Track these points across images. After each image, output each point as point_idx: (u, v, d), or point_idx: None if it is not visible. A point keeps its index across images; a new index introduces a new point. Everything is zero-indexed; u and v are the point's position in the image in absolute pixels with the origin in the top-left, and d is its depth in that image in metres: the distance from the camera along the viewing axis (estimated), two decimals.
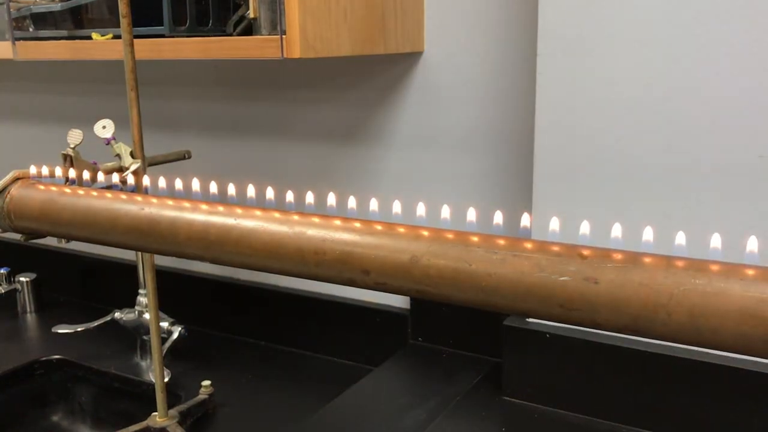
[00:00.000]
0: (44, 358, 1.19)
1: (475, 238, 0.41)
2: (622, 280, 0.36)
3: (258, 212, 0.48)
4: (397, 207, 0.46)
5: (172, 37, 0.90)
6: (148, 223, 0.51)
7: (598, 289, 0.37)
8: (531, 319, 0.91)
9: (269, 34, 0.83)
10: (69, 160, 0.80)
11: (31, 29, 1.06)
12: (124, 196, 0.55)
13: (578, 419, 0.88)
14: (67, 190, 0.58)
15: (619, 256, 0.37)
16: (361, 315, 1.12)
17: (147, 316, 1.09)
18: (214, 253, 0.49)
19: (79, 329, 1.20)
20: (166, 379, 0.96)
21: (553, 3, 0.83)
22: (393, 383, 1.02)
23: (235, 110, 1.20)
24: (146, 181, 0.60)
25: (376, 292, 0.44)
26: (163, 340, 1.06)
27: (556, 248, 0.39)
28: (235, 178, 0.53)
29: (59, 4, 1.00)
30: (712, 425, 0.81)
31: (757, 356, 0.35)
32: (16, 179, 0.60)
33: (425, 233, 0.42)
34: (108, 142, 0.86)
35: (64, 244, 1.36)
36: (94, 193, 0.57)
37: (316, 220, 0.46)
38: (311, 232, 0.45)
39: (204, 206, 0.50)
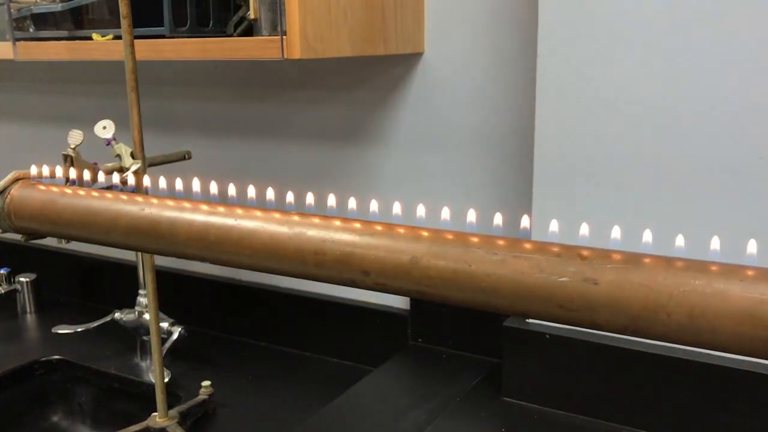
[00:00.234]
0: (44, 359, 1.19)
1: (474, 239, 0.41)
2: (621, 281, 0.36)
3: (258, 213, 0.48)
4: (396, 208, 0.46)
5: (173, 37, 0.90)
6: (149, 224, 0.51)
7: (598, 290, 0.37)
8: (531, 320, 0.91)
9: (269, 35, 0.83)
10: (69, 161, 0.80)
11: (31, 30, 1.06)
12: (124, 197, 0.55)
13: (578, 420, 0.88)
14: (68, 190, 0.58)
15: (618, 257, 0.37)
16: (360, 316, 1.12)
17: (147, 316, 1.09)
18: (214, 253, 0.49)
19: (79, 329, 1.20)
20: (166, 380, 0.96)
21: (553, 5, 0.83)
22: (393, 384, 1.02)
23: (236, 111, 1.20)
24: (146, 181, 0.60)
25: (375, 292, 0.44)
26: (163, 341, 1.06)
27: (555, 249, 0.39)
28: (236, 179, 0.53)
29: (60, 5, 1.00)
30: (712, 426, 0.81)
31: (757, 357, 0.35)
32: (16, 179, 0.60)
33: (425, 234, 0.42)
34: (108, 142, 0.87)
35: (64, 245, 1.36)
36: (95, 194, 0.57)
37: (316, 220, 0.46)
38: (311, 232, 0.45)
39: (204, 207, 0.50)
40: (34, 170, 0.62)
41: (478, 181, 1.01)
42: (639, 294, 0.36)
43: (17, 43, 1.05)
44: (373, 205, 0.47)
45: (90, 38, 0.98)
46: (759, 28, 0.74)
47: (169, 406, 0.94)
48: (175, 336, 1.08)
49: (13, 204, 0.59)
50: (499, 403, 0.93)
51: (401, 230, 0.43)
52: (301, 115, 1.14)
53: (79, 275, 1.41)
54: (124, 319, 1.13)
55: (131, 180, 0.68)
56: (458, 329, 1.06)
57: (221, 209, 0.49)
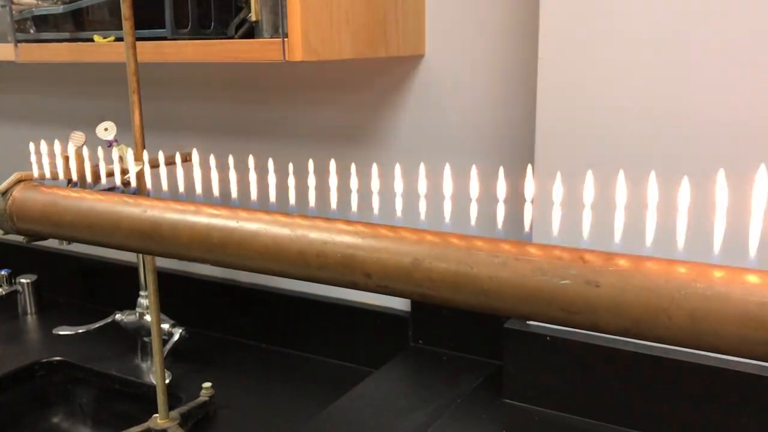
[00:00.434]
0: (45, 360, 1.19)
1: (476, 242, 0.41)
2: (623, 284, 0.36)
3: (260, 215, 0.48)
4: (398, 210, 0.47)
5: (174, 39, 0.90)
6: (151, 226, 0.52)
7: (600, 293, 0.37)
8: (531, 322, 0.91)
9: (271, 37, 0.83)
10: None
11: (32, 31, 1.06)
12: (126, 199, 0.55)
13: (579, 422, 0.88)
14: (70, 192, 0.58)
15: (620, 260, 0.37)
16: (361, 317, 1.12)
17: (148, 317, 1.09)
18: (216, 255, 0.49)
19: (79, 331, 1.20)
20: (167, 381, 0.96)
21: (553, 7, 0.83)
22: (394, 386, 1.02)
23: (237, 113, 1.20)
24: (148, 183, 0.60)
25: (377, 294, 0.44)
26: (164, 342, 1.07)
27: (557, 252, 0.39)
28: (238, 181, 0.54)
29: (61, 7, 1.00)
30: (713, 428, 0.81)
31: (758, 360, 0.35)
32: (19, 181, 0.60)
33: (427, 236, 0.43)
34: (110, 144, 0.87)
35: (64, 246, 1.36)
36: (97, 195, 0.57)
37: (318, 222, 0.46)
38: (313, 234, 0.46)
39: (207, 209, 0.50)
40: (36, 172, 0.62)
41: (479, 183, 1.01)
42: (640, 297, 0.36)
43: (19, 44, 1.05)
44: (375, 208, 0.47)
45: (91, 40, 0.98)
46: (761, 31, 0.74)
47: (170, 408, 0.94)
48: (176, 337, 1.08)
49: (16, 205, 0.59)
50: (499, 404, 0.93)
51: (403, 232, 0.44)
52: (302, 117, 1.14)
53: (80, 276, 1.41)
54: (124, 320, 1.13)
55: (133, 182, 0.68)
56: (459, 331, 1.06)
57: (224, 211, 0.50)
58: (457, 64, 1.00)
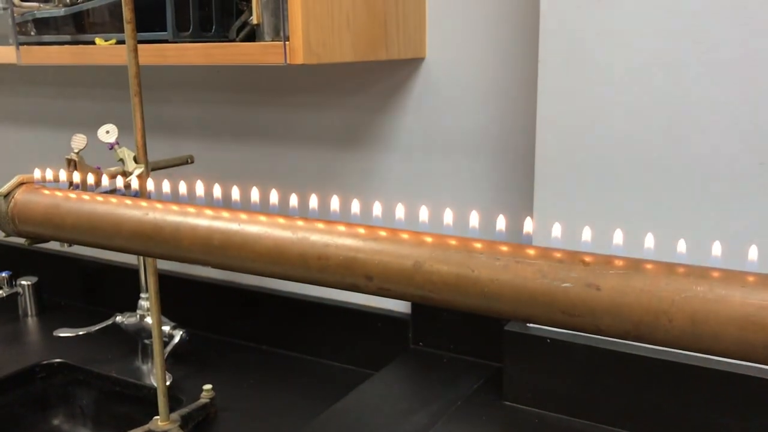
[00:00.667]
0: (45, 362, 1.19)
1: (477, 245, 0.41)
2: (623, 287, 0.37)
3: (262, 217, 0.48)
4: (400, 212, 0.47)
5: (176, 42, 0.90)
6: (152, 228, 0.52)
7: (600, 296, 0.37)
8: (532, 325, 0.91)
9: (272, 40, 0.84)
10: (73, 165, 0.81)
11: (33, 34, 1.06)
12: (128, 201, 0.55)
13: (579, 424, 0.88)
14: (72, 195, 0.58)
15: (620, 263, 0.38)
16: (362, 319, 1.12)
17: (148, 319, 1.10)
18: (218, 258, 0.49)
19: (80, 333, 1.20)
20: (168, 383, 0.97)
21: (554, 9, 0.83)
22: (394, 388, 1.02)
23: (239, 115, 1.20)
24: (150, 185, 0.60)
25: (377, 297, 0.44)
26: (165, 344, 1.07)
27: (558, 254, 0.39)
28: (239, 183, 0.54)
29: (63, 10, 1.00)
30: (713, 431, 0.81)
31: (758, 363, 0.35)
32: (20, 184, 0.60)
33: (428, 239, 0.43)
34: (111, 146, 0.87)
35: (65, 248, 1.36)
36: (98, 198, 0.57)
37: (319, 225, 0.46)
38: (315, 237, 0.46)
39: (208, 211, 0.50)
40: (37, 174, 0.62)
41: (480, 186, 1.01)
42: (641, 299, 0.36)
43: (20, 47, 1.05)
44: (376, 210, 0.47)
45: (93, 43, 0.98)
46: (760, 34, 0.74)
47: (171, 410, 0.94)
48: (176, 339, 1.09)
49: (17, 208, 0.59)
50: (499, 407, 0.93)
51: (404, 235, 0.44)
52: (303, 119, 1.14)
53: (81, 278, 1.42)
54: (125, 322, 1.13)
55: (134, 184, 0.69)
56: (459, 333, 1.06)
57: (225, 214, 0.50)
58: (458, 67, 1.00)
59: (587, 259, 0.38)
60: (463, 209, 0.46)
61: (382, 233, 0.44)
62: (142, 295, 1.12)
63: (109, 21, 1.00)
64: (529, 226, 0.43)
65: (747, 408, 0.80)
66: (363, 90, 1.08)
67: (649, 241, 0.39)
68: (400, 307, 1.11)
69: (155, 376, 0.94)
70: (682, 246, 0.39)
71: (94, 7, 0.99)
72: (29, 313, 1.37)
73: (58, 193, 0.59)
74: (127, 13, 0.80)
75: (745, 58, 0.75)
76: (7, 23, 1.06)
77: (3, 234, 0.61)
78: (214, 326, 1.25)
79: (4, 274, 1.37)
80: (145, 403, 1.05)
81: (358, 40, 0.89)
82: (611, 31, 0.81)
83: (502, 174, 1.00)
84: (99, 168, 0.82)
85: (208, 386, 1.01)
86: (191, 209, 0.51)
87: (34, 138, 1.45)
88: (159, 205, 0.52)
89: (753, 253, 0.37)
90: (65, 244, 1.08)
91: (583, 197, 0.85)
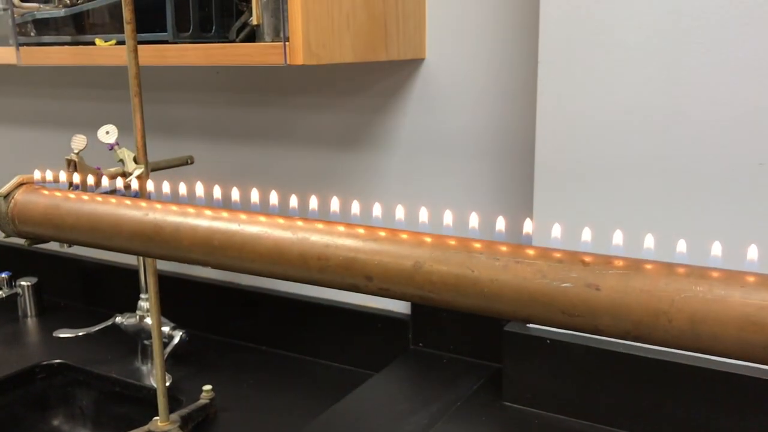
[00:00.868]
0: (45, 363, 1.19)
1: (477, 245, 0.41)
2: (623, 287, 0.37)
3: (262, 218, 0.48)
4: (399, 213, 0.47)
5: (176, 43, 0.90)
6: (153, 229, 0.52)
7: (600, 296, 0.37)
8: (531, 325, 0.91)
9: (272, 41, 0.84)
10: (73, 166, 0.81)
11: (33, 34, 1.06)
12: (128, 202, 0.55)
13: (579, 425, 0.88)
14: (71, 195, 0.58)
15: (620, 263, 0.38)
16: (361, 320, 1.13)
17: (148, 320, 1.10)
18: (218, 258, 0.49)
19: (80, 333, 1.20)
20: (168, 384, 0.97)
21: (554, 10, 0.83)
22: (393, 388, 1.02)
23: (238, 116, 1.20)
24: (150, 186, 0.60)
25: (376, 297, 0.44)
26: (165, 345, 1.07)
27: (557, 255, 0.39)
28: (239, 184, 0.54)
29: (63, 10, 1.00)
30: (712, 431, 0.81)
31: (758, 363, 0.35)
32: (20, 184, 0.61)
33: (428, 239, 0.43)
34: (111, 147, 0.87)
35: (65, 249, 1.36)
36: (98, 199, 0.57)
37: (319, 225, 0.46)
38: (314, 237, 0.46)
39: (208, 212, 0.50)
40: (37, 175, 0.63)
41: (479, 186, 1.02)
42: (640, 299, 0.36)
43: (20, 47, 1.05)
44: (376, 210, 0.47)
45: (93, 43, 0.98)
46: (760, 35, 0.74)
47: (171, 410, 0.94)
48: (176, 340, 1.09)
49: (17, 208, 0.59)
50: (499, 407, 0.93)
51: (404, 236, 0.44)
52: (303, 120, 1.14)
53: (81, 279, 1.42)
54: (125, 323, 1.13)
55: (134, 185, 0.69)
56: (459, 334, 1.06)
57: (225, 214, 0.50)
58: (458, 67, 1.00)
59: (587, 259, 0.38)
60: (463, 210, 0.46)
61: (382, 234, 0.44)
62: (142, 295, 1.12)
63: (109, 22, 1.00)
64: (528, 226, 0.43)
65: (746, 408, 0.80)
66: (363, 91, 1.08)
67: (649, 241, 0.39)
68: (399, 307, 1.11)
69: (155, 376, 0.94)
70: (681, 246, 0.39)
71: (94, 7, 0.99)
72: (29, 313, 1.37)
73: (58, 194, 0.59)
74: (127, 13, 0.80)
75: (745, 58, 0.75)
76: (7, 24, 1.06)
77: (3, 234, 0.61)
78: (214, 327, 1.25)
79: (3, 275, 1.37)
80: (144, 404, 1.05)
81: (358, 40, 0.89)
82: (611, 31, 0.81)
83: (502, 174, 1.00)
84: (99, 168, 0.82)
85: (207, 387, 1.01)
86: (191, 210, 0.51)
87: (34, 139, 1.45)
88: (159, 206, 0.53)
89: (752, 253, 0.37)
90: (65, 245, 1.08)
91: (583, 197, 0.85)
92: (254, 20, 0.83)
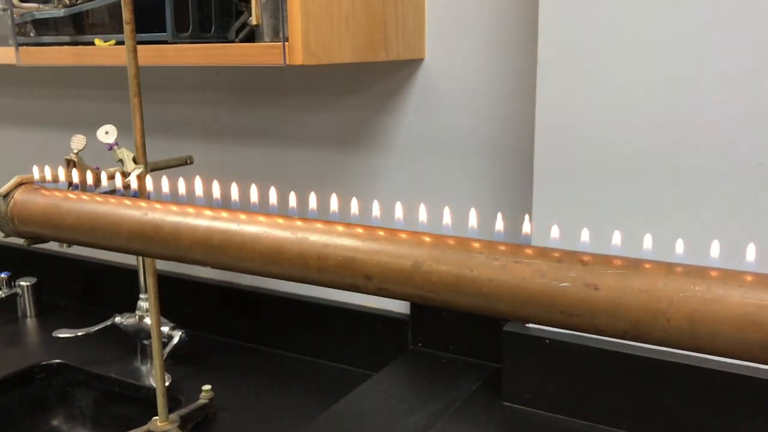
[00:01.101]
0: (44, 363, 1.19)
1: (476, 245, 0.41)
2: (622, 286, 0.37)
3: (261, 218, 0.48)
4: (398, 213, 0.47)
5: (175, 43, 0.90)
6: (152, 229, 0.52)
7: (599, 295, 0.37)
8: (531, 325, 0.91)
9: (271, 41, 0.84)
10: (72, 165, 0.81)
11: (32, 34, 1.06)
12: (127, 202, 0.55)
13: (578, 425, 0.88)
14: (71, 195, 0.58)
15: (619, 263, 0.38)
16: (361, 320, 1.13)
17: (147, 320, 1.10)
18: (217, 258, 0.49)
19: (79, 333, 1.20)
20: (167, 384, 0.97)
21: (553, 10, 0.84)
22: (393, 388, 1.02)
23: (238, 116, 1.20)
24: (149, 186, 0.60)
25: (376, 297, 0.44)
26: (164, 345, 1.07)
27: (556, 254, 0.39)
28: (238, 184, 0.54)
29: (62, 10, 1.00)
30: (711, 431, 0.81)
31: (756, 362, 0.35)
32: (19, 184, 0.60)
33: (427, 239, 0.43)
34: (111, 147, 0.87)
35: (64, 249, 1.36)
36: (98, 198, 0.57)
37: (318, 225, 0.46)
38: (314, 237, 0.46)
39: (207, 212, 0.50)
40: (37, 175, 0.63)
41: (478, 186, 1.02)
42: (639, 299, 0.36)
43: (20, 47, 1.05)
44: (375, 210, 0.47)
45: (92, 43, 0.98)
46: (759, 35, 0.74)
47: (170, 410, 0.94)
48: (175, 340, 1.09)
49: (17, 208, 0.59)
50: (499, 407, 0.93)
51: (403, 235, 0.44)
52: (302, 120, 1.14)
53: (80, 279, 1.42)
54: (124, 323, 1.13)
55: (134, 185, 0.69)
56: (458, 334, 1.06)
57: (224, 214, 0.50)
58: (457, 67, 1.00)
59: (586, 258, 0.38)
60: (462, 209, 0.46)
61: (381, 233, 0.44)
62: (141, 295, 1.12)
63: (109, 22, 1.00)
64: (527, 226, 0.43)
65: (745, 407, 0.80)
66: (362, 91, 1.08)
67: (648, 241, 0.39)
68: (399, 307, 1.11)
69: (154, 376, 0.94)
70: (680, 246, 0.39)
71: (93, 8, 0.99)
72: (28, 313, 1.37)
73: (57, 194, 0.59)
74: (126, 13, 0.81)
75: (744, 59, 0.75)
76: (7, 24, 1.06)
77: (2, 234, 0.61)
78: (214, 327, 1.25)
79: (3, 275, 1.37)
80: (144, 404, 1.05)
81: (358, 41, 0.89)
82: (610, 31, 0.81)
83: (501, 174, 1.00)
84: (98, 168, 0.82)
85: (207, 387, 1.01)
86: (190, 209, 0.51)
87: (34, 138, 1.45)
88: (158, 206, 0.53)
89: (751, 252, 0.37)
90: (64, 245, 1.08)
91: (582, 197, 0.85)
92: (253, 20, 0.83)
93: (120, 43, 0.93)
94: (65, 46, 1.02)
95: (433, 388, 0.99)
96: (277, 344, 1.20)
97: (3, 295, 1.35)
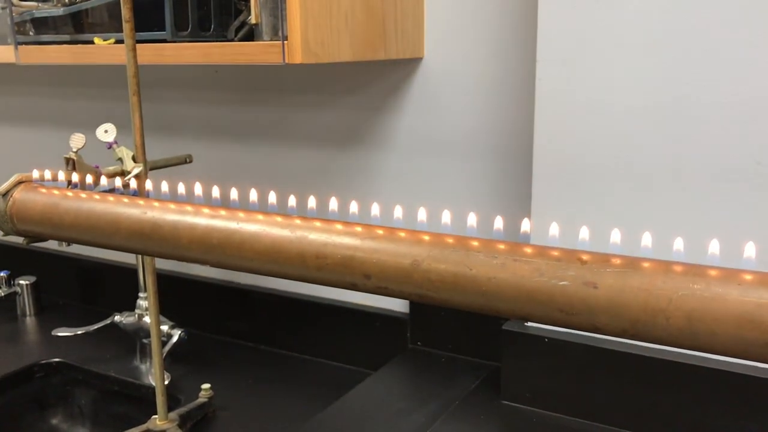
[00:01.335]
0: (44, 361, 1.19)
1: (475, 243, 0.41)
2: (621, 285, 0.37)
3: (260, 216, 0.48)
4: (398, 211, 0.47)
5: (174, 42, 0.90)
6: (151, 227, 0.52)
7: (598, 294, 0.37)
8: (530, 324, 0.91)
9: (271, 40, 0.84)
10: (71, 164, 0.81)
11: (31, 33, 1.06)
12: (126, 200, 0.55)
13: (577, 423, 0.88)
14: (70, 193, 0.58)
15: (618, 261, 0.38)
16: (360, 319, 1.13)
17: (147, 319, 1.10)
18: (216, 256, 0.49)
19: (78, 332, 1.20)
20: (166, 382, 0.97)
21: (552, 10, 0.84)
22: (392, 387, 1.02)
23: (237, 115, 1.20)
24: (148, 185, 0.60)
25: (375, 296, 0.44)
26: (163, 344, 1.07)
27: (555, 253, 0.39)
28: (237, 183, 0.54)
29: (62, 9, 1.00)
30: (710, 430, 0.81)
31: (755, 360, 0.35)
32: (18, 182, 0.60)
33: (426, 238, 0.43)
34: (110, 146, 0.87)
35: (64, 247, 1.36)
36: (97, 197, 0.57)
37: (317, 224, 0.46)
38: (313, 236, 0.46)
39: (206, 210, 0.50)
40: (36, 173, 0.63)
41: (478, 185, 1.02)
42: (638, 298, 0.36)
43: (19, 46, 1.05)
44: (375, 209, 0.47)
45: (91, 42, 0.98)
46: (758, 35, 0.74)
47: (169, 409, 0.94)
48: (175, 339, 1.09)
49: (16, 207, 0.59)
50: (497, 406, 0.93)
51: (402, 234, 0.44)
52: (302, 119, 1.14)
53: (79, 278, 1.42)
54: (123, 322, 1.13)
55: (133, 183, 0.69)
56: (457, 332, 1.06)
57: (223, 213, 0.50)
58: (456, 66, 1.00)
59: (584, 257, 0.38)
60: (461, 208, 0.46)
61: (380, 232, 0.44)
62: (141, 294, 1.12)
63: (108, 21, 1.00)
64: (526, 225, 0.43)
65: (744, 406, 0.80)
66: (361, 90, 1.08)
67: (647, 239, 0.39)
68: (398, 306, 1.11)
69: (153, 375, 0.94)
70: (679, 244, 0.39)
71: (92, 6, 0.99)
72: (27, 312, 1.37)
73: (56, 192, 0.59)
74: (125, 12, 0.80)
75: (744, 58, 0.75)
76: (6, 23, 1.06)
77: (1, 233, 0.61)
78: (213, 325, 1.25)
79: (2, 274, 1.37)
80: (143, 403, 1.05)
81: (357, 39, 0.89)
82: (609, 31, 0.81)
83: (500, 173, 1.00)
84: (97, 167, 0.82)
85: (206, 385, 1.01)
86: (189, 208, 0.51)
87: (33, 137, 1.44)
88: (157, 204, 0.53)
89: (750, 251, 0.37)
90: (63, 243, 1.07)
91: (581, 196, 0.85)
92: (253, 19, 0.83)
93: (119, 41, 0.93)
94: (64, 45, 1.02)
95: (432, 386, 0.99)
96: (276, 343, 1.20)
97: (2, 294, 1.35)
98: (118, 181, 0.79)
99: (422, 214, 0.46)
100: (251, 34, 0.87)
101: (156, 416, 0.93)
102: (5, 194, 0.59)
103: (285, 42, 0.81)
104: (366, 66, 1.06)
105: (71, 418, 1.19)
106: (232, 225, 0.48)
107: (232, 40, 0.89)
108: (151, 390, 0.95)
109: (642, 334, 0.37)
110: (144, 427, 0.93)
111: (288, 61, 0.81)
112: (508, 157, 0.99)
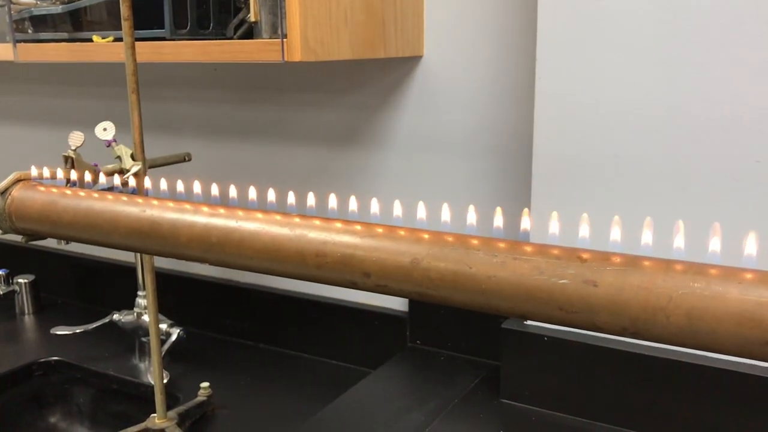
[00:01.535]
0: (42, 360, 1.19)
1: (475, 241, 0.41)
2: (621, 283, 0.37)
3: (259, 215, 0.48)
4: (397, 210, 0.47)
5: (173, 40, 0.90)
6: (150, 225, 0.52)
7: (597, 292, 0.37)
8: (529, 322, 0.91)
9: (270, 38, 0.83)
10: (70, 162, 0.81)
11: (30, 31, 1.06)
12: (125, 198, 0.55)
13: (576, 422, 0.88)
14: (69, 192, 0.58)
15: (618, 259, 0.38)
16: (359, 317, 1.13)
17: (146, 317, 1.10)
18: (215, 255, 0.49)
19: (77, 331, 1.20)
20: (165, 381, 0.97)
21: (552, 8, 0.83)
22: (391, 386, 1.02)
23: (236, 113, 1.20)
24: (147, 183, 0.60)
25: (374, 294, 0.44)
26: (162, 342, 1.07)
27: (555, 251, 0.39)
28: (237, 181, 0.54)
29: (60, 7, 1.00)
30: (710, 428, 0.81)
31: (755, 359, 0.35)
32: (17, 181, 0.60)
33: (426, 236, 0.43)
34: (109, 144, 0.87)
35: (62, 246, 1.36)
36: (95, 195, 0.57)
37: (317, 222, 0.46)
38: (312, 234, 0.46)
39: (205, 208, 0.50)
40: (34, 171, 0.62)
41: (477, 183, 1.01)
42: (638, 296, 0.36)
43: (18, 44, 1.05)
44: (374, 207, 0.47)
45: (90, 40, 0.98)
46: (757, 34, 0.74)
47: (168, 408, 0.94)
48: (173, 337, 1.08)
49: (14, 205, 0.59)
50: (497, 405, 0.93)
51: (402, 232, 0.44)
52: (301, 117, 1.14)
53: (78, 276, 1.41)
54: (122, 320, 1.13)
55: (132, 182, 0.69)
56: (457, 331, 1.06)
57: (222, 211, 0.50)
58: (456, 65, 1.00)
59: (584, 255, 0.38)
60: (461, 207, 0.46)
61: (380, 230, 0.44)
62: (140, 293, 1.12)
63: (107, 18, 1.00)
64: (526, 223, 0.43)
65: (744, 405, 0.80)
66: (361, 88, 1.08)
67: (647, 237, 0.39)
68: (397, 304, 1.11)
69: (152, 374, 0.94)
70: (679, 242, 0.39)
71: (91, 4, 0.99)
72: (26, 311, 1.37)
73: (55, 190, 0.59)
74: (124, 10, 0.80)
75: (744, 58, 0.75)
76: (4, 20, 1.06)
77: (0, 231, 0.61)
78: (212, 324, 1.25)
79: (1, 272, 1.37)
80: (142, 401, 1.05)
81: (356, 37, 0.89)
82: (609, 30, 0.81)
83: (500, 171, 1.00)
84: (96, 165, 0.82)
85: (205, 384, 1.01)
86: (188, 206, 0.51)
87: (32, 135, 1.44)
88: (156, 202, 0.52)
89: (750, 250, 0.37)
90: (62, 242, 1.08)
91: (581, 194, 0.85)
92: (252, 17, 0.83)
93: (118, 39, 0.93)
94: (63, 43, 1.02)
95: (432, 385, 0.99)
96: (275, 341, 1.20)
97: (1, 293, 1.35)
98: (116, 179, 0.79)
99: (421, 212, 0.45)
100: (250, 32, 0.87)
101: (155, 415, 0.93)
102: (4, 192, 0.59)
103: (284, 40, 0.81)
104: (365, 64, 1.06)
105: (70, 416, 1.19)
106: (231, 223, 0.48)
107: (231, 38, 0.89)
108: (150, 388, 0.95)
109: (642, 333, 0.37)
110: (143, 425, 0.93)
111: (287, 59, 0.81)
112: (507, 156, 0.99)
